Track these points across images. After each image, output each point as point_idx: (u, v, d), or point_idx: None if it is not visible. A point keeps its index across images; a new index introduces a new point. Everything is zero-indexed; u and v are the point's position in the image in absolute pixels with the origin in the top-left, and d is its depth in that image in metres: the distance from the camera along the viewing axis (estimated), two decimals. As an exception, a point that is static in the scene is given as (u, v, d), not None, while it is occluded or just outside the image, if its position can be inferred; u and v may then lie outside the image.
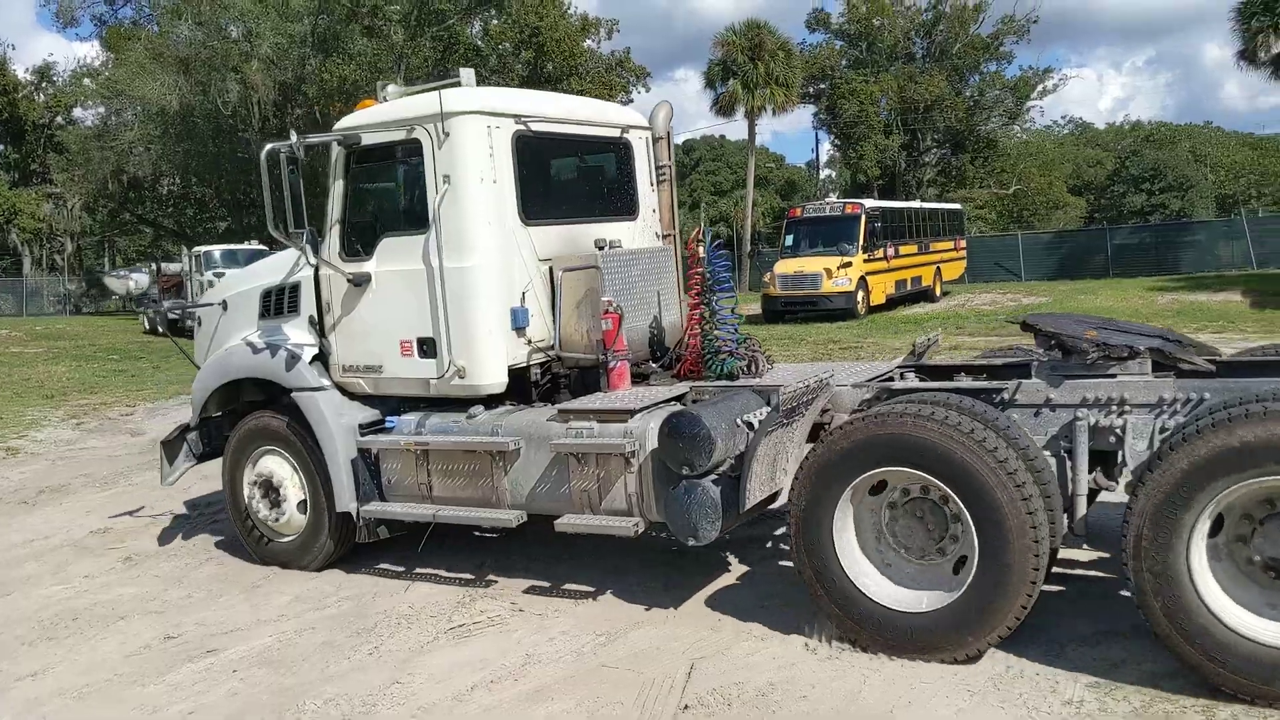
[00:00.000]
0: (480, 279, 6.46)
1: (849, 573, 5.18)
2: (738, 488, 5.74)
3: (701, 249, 6.67)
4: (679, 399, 6.36)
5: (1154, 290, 28.26)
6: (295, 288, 7.28)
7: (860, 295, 26.45)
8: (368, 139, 6.74)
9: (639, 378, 6.80)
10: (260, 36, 38.95)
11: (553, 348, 6.86)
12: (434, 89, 6.64)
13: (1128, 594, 4.68)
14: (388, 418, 6.99)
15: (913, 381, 5.97)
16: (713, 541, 5.61)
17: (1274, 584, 4.49)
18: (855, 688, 4.91)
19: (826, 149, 55.01)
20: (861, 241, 26.70)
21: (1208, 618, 4.39)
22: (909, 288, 29.65)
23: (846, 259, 26.10)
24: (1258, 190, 50.26)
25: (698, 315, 6.71)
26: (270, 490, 7.34)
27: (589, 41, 47.11)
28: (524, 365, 6.72)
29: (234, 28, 40.70)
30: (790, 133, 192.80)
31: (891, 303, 28.34)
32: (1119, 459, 5.11)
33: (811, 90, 46.57)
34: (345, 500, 6.94)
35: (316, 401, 7.01)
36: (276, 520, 7.32)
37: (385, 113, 6.74)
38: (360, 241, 6.95)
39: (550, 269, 6.81)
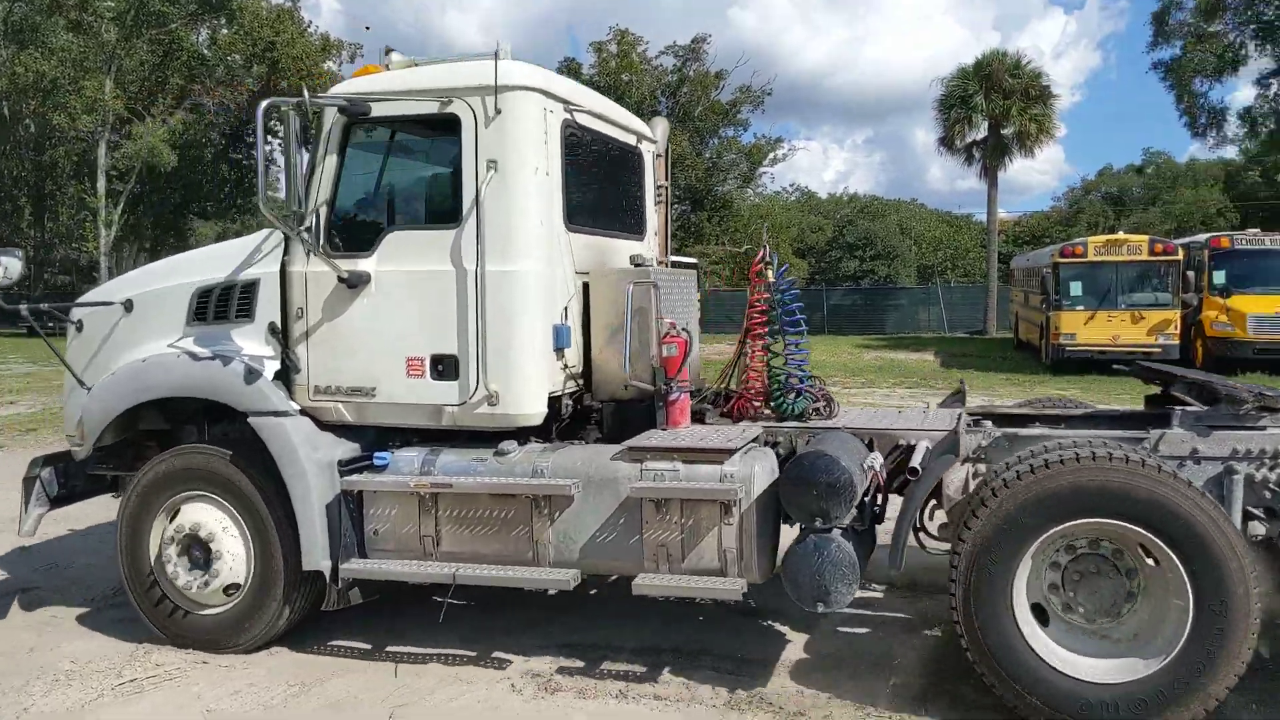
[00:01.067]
0: (531, 286, 5.35)
1: (1029, 639, 4.60)
2: (864, 543, 5.05)
3: (771, 273, 5.91)
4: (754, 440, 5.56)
5: (861, 347, 30.61)
6: (251, 286, 5.74)
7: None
8: (381, 109, 5.44)
9: (693, 414, 5.90)
10: (-60, 16, 33.61)
11: (582, 375, 5.83)
12: (468, 59, 5.49)
13: None
14: (376, 454, 5.63)
15: (1037, 428, 5.51)
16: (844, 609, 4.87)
17: None
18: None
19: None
20: None
21: None
22: None
23: None
24: (952, 263, 56.11)
25: (759, 348, 5.94)
26: (197, 547, 5.69)
27: (330, 63, 44.62)
28: (559, 394, 5.64)
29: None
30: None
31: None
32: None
33: (562, 136, 46.61)
34: (317, 556, 5.48)
35: (285, 430, 5.52)
36: (204, 586, 5.66)
37: (411, 79, 5.46)
38: (355, 233, 5.61)
39: (585, 284, 5.80)
